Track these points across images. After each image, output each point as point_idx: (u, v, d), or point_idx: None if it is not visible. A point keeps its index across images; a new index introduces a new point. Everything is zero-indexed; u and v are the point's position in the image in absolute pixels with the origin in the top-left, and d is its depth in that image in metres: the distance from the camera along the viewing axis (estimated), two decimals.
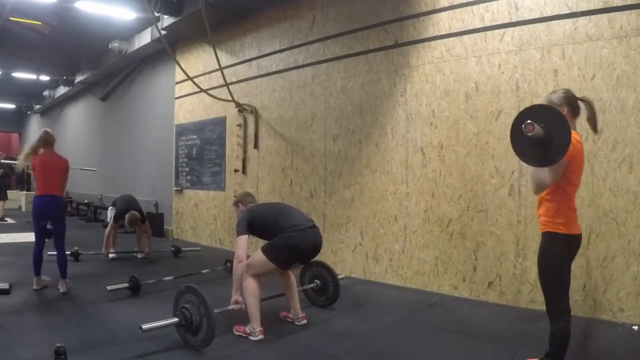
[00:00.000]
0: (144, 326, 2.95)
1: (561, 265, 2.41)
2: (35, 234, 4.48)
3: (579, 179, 2.48)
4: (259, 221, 3.49)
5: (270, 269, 3.38)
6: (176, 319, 3.10)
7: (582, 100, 2.52)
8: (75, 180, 14.07)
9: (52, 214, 4.41)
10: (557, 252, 2.39)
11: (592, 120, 2.53)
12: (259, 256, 3.37)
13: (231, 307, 3.40)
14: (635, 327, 3.48)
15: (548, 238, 2.43)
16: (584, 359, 2.89)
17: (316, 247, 3.50)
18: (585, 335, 3.28)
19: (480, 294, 4.38)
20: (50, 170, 4.43)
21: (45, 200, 4.37)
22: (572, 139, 2.22)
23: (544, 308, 2.46)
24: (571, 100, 2.48)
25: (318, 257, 3.72)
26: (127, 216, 6.26)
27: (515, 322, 3.60)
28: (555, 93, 2.53)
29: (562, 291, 2.41)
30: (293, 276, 3.74)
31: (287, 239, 3.33)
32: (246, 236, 3.42)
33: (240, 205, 3.75)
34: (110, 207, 6.47)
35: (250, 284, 3.34)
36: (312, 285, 4.21)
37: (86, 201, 11.67)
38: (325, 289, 4.17)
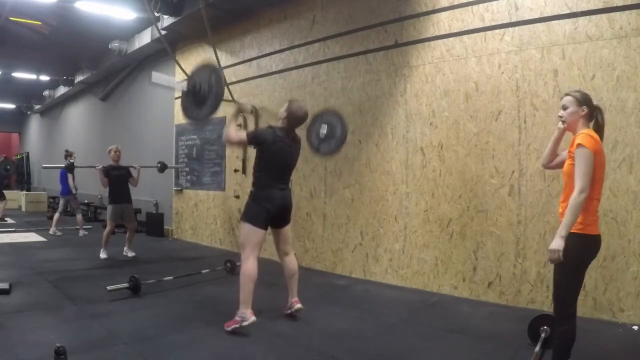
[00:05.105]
0: None
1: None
2: None
3: (601, 178, 2.45)
4: (269, 150, 3.59)
5: (259, 235, 3.47)
6: (185, 82, 3.49)
7: (596, 107, 2.52)
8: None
9: None
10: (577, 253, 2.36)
11: (601, 130, 2.52)
12: (242, 228, 3.52)
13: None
14: (635, 327, 3.48)
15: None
16: (584, 359, 2.89)
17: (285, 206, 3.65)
18: (585, 335, 3.27)
19: (480, 294, 4.38)
20: None
21: None
22: (593, 137, 2.36)
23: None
24: (591, 104, 2.50)
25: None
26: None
27: (515, 322, 3.59)
28: (581, 92, 2.55)
29: (576, 293, 2.42)
30: (296, 261, 3.80)
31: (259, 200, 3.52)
32: (244, 136, 3.60)
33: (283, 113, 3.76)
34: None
35: (250, 267, 3.41)
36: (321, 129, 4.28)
37: (86, 201, 11.65)
38: (330, 139, 4.27)
